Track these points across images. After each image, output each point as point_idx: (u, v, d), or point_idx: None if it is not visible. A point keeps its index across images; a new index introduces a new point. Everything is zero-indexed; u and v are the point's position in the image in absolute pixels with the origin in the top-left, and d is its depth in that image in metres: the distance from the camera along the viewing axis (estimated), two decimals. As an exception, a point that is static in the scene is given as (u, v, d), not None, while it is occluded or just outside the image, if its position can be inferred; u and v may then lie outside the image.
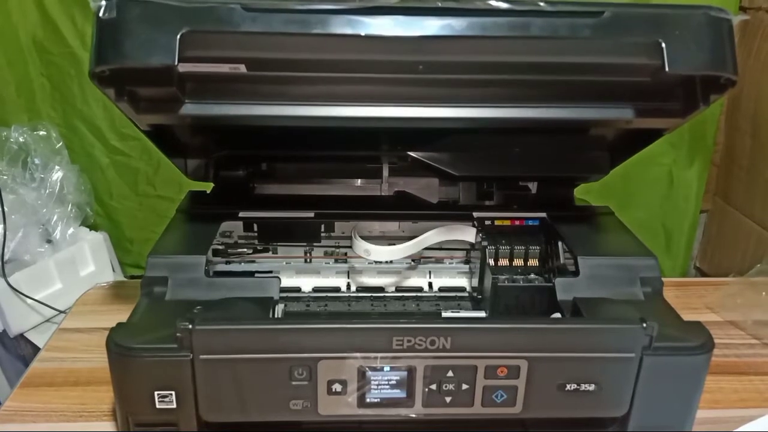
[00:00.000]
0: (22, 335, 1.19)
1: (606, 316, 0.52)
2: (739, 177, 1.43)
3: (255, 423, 0.48)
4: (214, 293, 0.53)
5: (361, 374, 0.47)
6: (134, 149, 1.39)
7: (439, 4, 0.47)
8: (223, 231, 0.64)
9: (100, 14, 0.45)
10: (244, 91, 0.55)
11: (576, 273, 0.56)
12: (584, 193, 0.75)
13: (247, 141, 0.67)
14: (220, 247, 0.65)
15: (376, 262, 0.67)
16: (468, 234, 0.64)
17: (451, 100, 0.57)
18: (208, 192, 0.72)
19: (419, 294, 0.67)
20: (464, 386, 0.47)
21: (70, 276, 1.25)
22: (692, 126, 1.39)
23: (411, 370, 0.47)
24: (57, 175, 1.25)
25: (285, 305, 0.62)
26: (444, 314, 0.61)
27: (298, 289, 0.66)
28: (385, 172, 0.72)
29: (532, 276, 0.63)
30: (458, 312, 0.62)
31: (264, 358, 0.46)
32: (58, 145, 1.27)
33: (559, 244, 0.61)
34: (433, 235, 0.63)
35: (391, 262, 0.68)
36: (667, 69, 0.48)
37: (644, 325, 0.46)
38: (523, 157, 0.68)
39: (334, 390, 0.47)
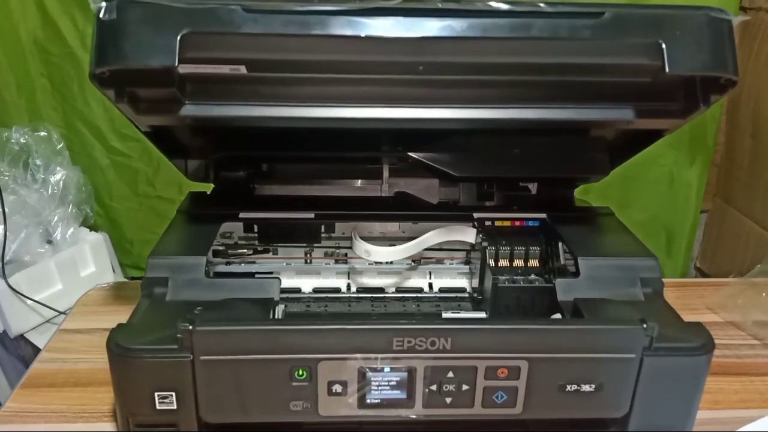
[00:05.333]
0: (22, 336, 1.19)
1: (606, 317, 0.52)
2: (739, 177, 1.43)
3: (255, 424, 0.48)
4: (214, 294, 0.53)
5: (362, 375, 0.47)
6: (134, 150, 1.39)
7: (440, 5, 0.47)
8: (224, 232, 0.64)
9: (101, 15, 0.45)
10: (244, 92, 0.55)
11: (576, 274, 0.56)
12: (584, 193, 0.75)
13: (248, 142, 0.67)
14: (220, 248, 0.65)
15: (376, 262, 0.67)
16: (468, 235, 0.64)
17: (451, 101, 0.57)
18: (209, 193, 0.72)
19: (419, 295, 0.67)
20: (464, 387, 0.47)
21: (71, 277, 1.25)
22: (692, 126, 1.39)
23: (411, 371, 0.47)
24: (58, 175, 1.25)
25: (285, 306, 0.62)
26: (444, 315, 0.61)
27: (298, 290, 0.66)
28: (386, 173, 0.72)
29: (533, 277, 0.63)
30: (458, 313, 0.62)
31: (264, 359, 0.46)
32: (59, 146, 1.27)
33: (560, 244, 0.61)
34: (434, 236, 0.63)
35: (391, 262, 0.68)
36: (667, 70, 0.48)
37: (645, 325, 0.46)
38: (524, 157, 0.68)
39: (334, 391, 0.47)
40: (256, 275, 0.65)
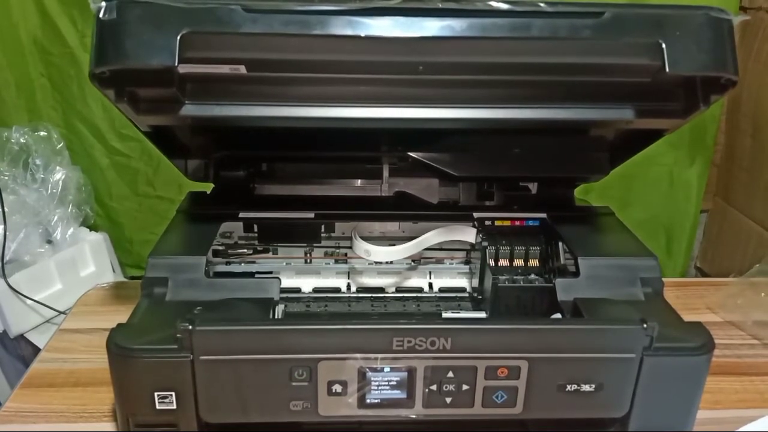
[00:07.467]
0: (22, 336, 1.19)
1: (606, 317, 0.52)
2: (739, 177, 1.43)
3: (255, 424, 0.48)
4: (214, 294, 0.53)
5: (362, 375, 0.47)
6: (134, 150, 1.39)
7: (440, 5, 0.47)
8: (223, 231, 0.64)
9: (101, 15, 0.45)
10: (244, 92, 0.55)
11: (576, 273, 0.56)
12: (584, 193, 0.75)
13: (247, 142, 0.67)
14: (220, 248, 0.65)
15: (376, 262, 0.67)
16: (468, 234, 0.64)
17: (451, 100, 0.56)
18: (208, 193, 0.72)
19: (419, 294, 0.67)
20: (464, 387, 0.47)
21: (71, 276, 1.25)
22: (692, 126, 1.39)
23: (411, 371, 0.47)
24: (58, 175, 1.25)
25: (285, 306, 0.62)
26: (444, 315, 0.61)
27: (298, 290, 0.66)
28: (386, 173, 0.72)
29: (533, 276, 0.63)
30: (458, 313, 0.62)
31: (264, 359, 0.46)
32: (59, 146, 1.27)
33: (560, 244, 0.61)
34: (434, 236, 0.63)
35: (391, 262, 0.68)
36: (667, 69, 0.48)
37: (645, 325, 0.46)
38: (524, 157, 0.68)
39: (334, 391, 0.47)
40: (256, 275, 0.65)
